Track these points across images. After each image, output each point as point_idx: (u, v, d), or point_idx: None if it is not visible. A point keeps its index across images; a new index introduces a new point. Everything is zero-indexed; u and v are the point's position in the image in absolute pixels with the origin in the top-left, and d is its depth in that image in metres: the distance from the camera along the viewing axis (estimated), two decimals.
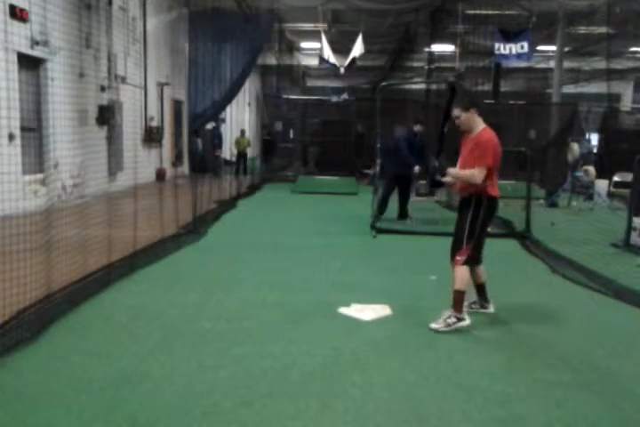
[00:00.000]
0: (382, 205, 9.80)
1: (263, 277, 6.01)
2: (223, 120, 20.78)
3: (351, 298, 5.18)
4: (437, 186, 4.73)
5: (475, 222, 4.48)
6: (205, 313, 4.75)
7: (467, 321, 4.45)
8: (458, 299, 4.46)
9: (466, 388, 3.47)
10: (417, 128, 9.78)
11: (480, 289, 4.87)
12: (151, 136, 15.50)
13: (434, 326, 4.43)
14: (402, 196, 9.98)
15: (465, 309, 4.52)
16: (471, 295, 4.82)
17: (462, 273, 4.50)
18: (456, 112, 4.58)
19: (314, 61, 22.36)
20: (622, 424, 3.15)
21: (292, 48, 24.28)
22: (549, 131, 17.13)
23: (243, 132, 20.62)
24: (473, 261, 4.60)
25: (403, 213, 10.06)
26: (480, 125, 4.56)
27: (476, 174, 4.41)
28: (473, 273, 4.69)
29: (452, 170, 4.62)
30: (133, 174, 9.19)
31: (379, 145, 9.37)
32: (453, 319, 4.43)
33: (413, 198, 9.98)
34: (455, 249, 4.55)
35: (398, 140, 9.84)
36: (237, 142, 20.02)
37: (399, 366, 3.78)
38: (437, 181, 4.74)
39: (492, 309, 4.92)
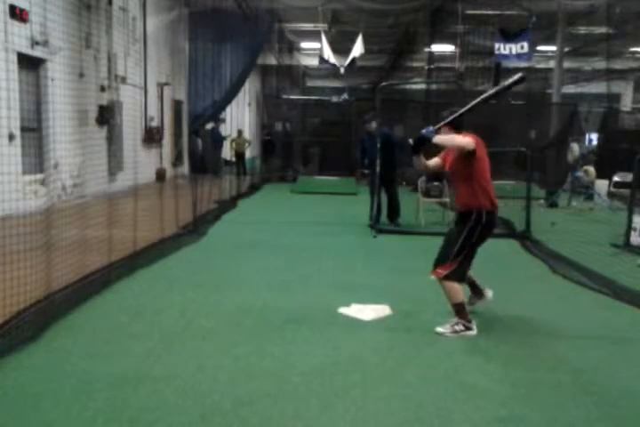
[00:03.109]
0: (376, 207, 9.55)
1: (263, 277, 6.02)
2: (223, 120, 20.73)
3: (351, 298, 5.18)
4: (421, 144, 4.46)
5: (469, 240, 4.33)
6: (205, 313, 4.75)
7: (474, 331, 4.36)
8: (459, 310, 4.39)
9: (466, 388, 3.47)
10: (367, 127, 9.52)
11: (472, 286, 4.83)
12: (151, 136, 15.49)
13: (440, 329, 4.38)
14: (387, 195, 9.60)
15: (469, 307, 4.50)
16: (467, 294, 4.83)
17: (451, 288, 4.38)
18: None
19: (314, 61, 22.38)
20: (622, 424, 3.15)
21: (292, 48, 24.28)
22: (549, 131, 17.14)
23: (240, 132, 20.56)
24: (459, 276, 4.41)
25: (391, 214, 9.59)
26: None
27: (460, 138, 4.24)
28: None
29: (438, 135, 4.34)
30: (133, 174, 9.16)
31: (379, 145, 9.33)
32: (461, 327, 4.36)
33: (422, 200, 9.86)
34: (440, 260, 4.43)
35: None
36: (234, 142, 19.94)
37: (399, 366, 3.78)
38: (423, 138, 4.32)
39: (490, 293, 4.84)
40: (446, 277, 4.37)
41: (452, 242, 4.43)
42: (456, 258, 4.36)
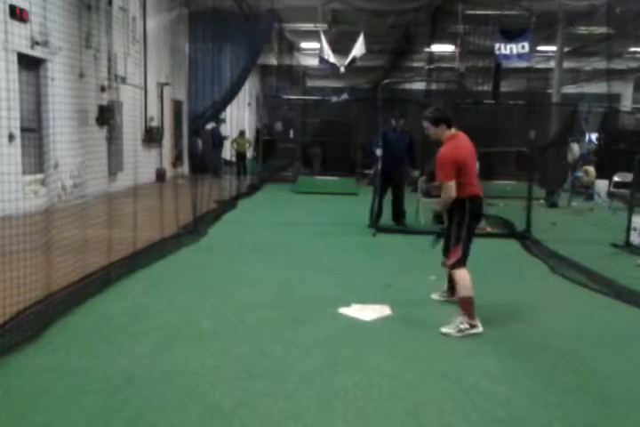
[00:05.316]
0: (378, 207, 9.47)
1: (263, 277, 6.02)
2: (223, 120, 20.72)
3: (351, 298, 5.18)
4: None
5: (461, 226, 4.47)
6: (205, 313, 4.75)
7: (479, 328, 4.37)
8: (465, 305, 4.39)
9: (466, 388, 3.47)
10: (394, 123, 9.40)
11: (451, 282, 4.95)
12: (151, 136, 15.48)
13: (444, 330, 4.36)
14: (393, 197, 9.46)
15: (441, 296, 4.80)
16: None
17: (462, 277, 4.43)
18: (425, 124, 4.60)
19: (314, 61, 22.33)
20: (621, 425, 3.15)
21: (292, 48, 24.27)
22: (549, 131, 17.14)
23: (242, 132, 20.56)
24: (464, 261, 4.53)
25: (396, 216, 9.46)
26: (445, 137, 4.55)
27: (447, 191, 4.42)
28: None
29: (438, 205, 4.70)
30: (133, 174, 9.16)
31: (379, 144, 9.29)
32: (466, 326, 4.34)
33: (422, 199, 9.78)
34: (446, 252, 4.61)
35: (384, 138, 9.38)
36: (236, 143, 19.93)
37: (399, 366, 3.78)
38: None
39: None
40: (454, 266, 4.46)
41: (449, 232, 4.57)
42: (457, 244, 4.47)
